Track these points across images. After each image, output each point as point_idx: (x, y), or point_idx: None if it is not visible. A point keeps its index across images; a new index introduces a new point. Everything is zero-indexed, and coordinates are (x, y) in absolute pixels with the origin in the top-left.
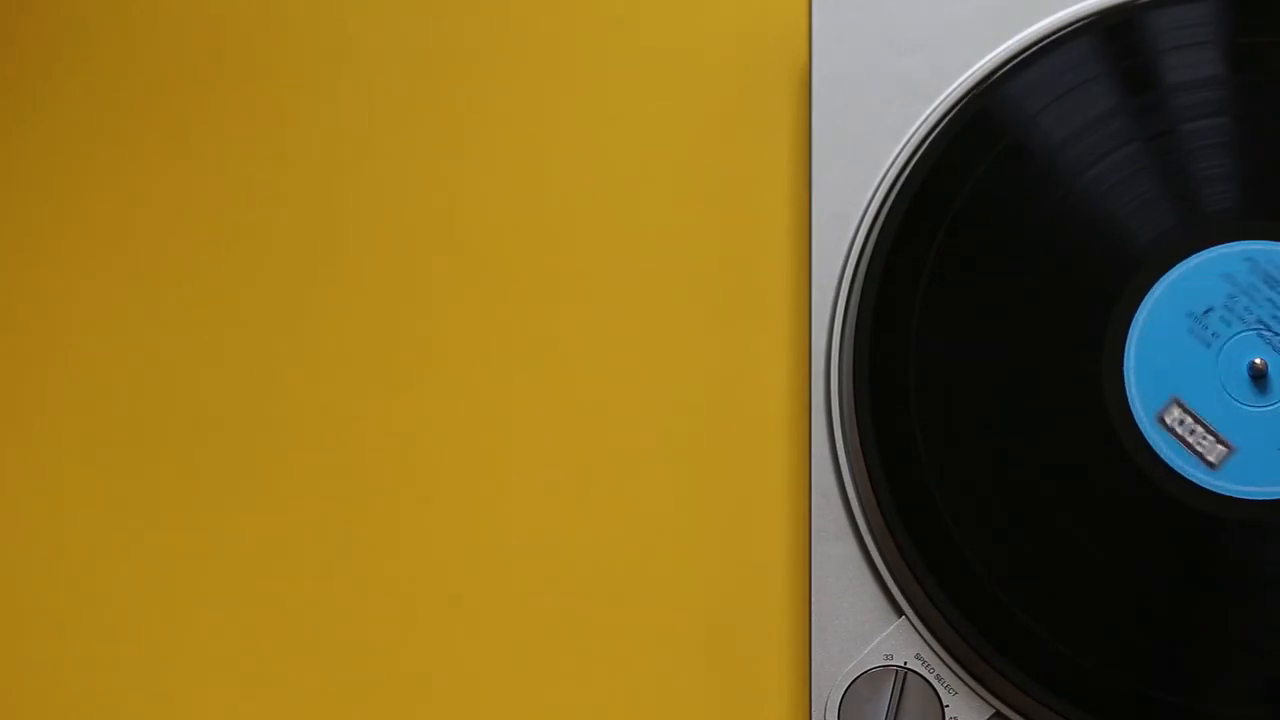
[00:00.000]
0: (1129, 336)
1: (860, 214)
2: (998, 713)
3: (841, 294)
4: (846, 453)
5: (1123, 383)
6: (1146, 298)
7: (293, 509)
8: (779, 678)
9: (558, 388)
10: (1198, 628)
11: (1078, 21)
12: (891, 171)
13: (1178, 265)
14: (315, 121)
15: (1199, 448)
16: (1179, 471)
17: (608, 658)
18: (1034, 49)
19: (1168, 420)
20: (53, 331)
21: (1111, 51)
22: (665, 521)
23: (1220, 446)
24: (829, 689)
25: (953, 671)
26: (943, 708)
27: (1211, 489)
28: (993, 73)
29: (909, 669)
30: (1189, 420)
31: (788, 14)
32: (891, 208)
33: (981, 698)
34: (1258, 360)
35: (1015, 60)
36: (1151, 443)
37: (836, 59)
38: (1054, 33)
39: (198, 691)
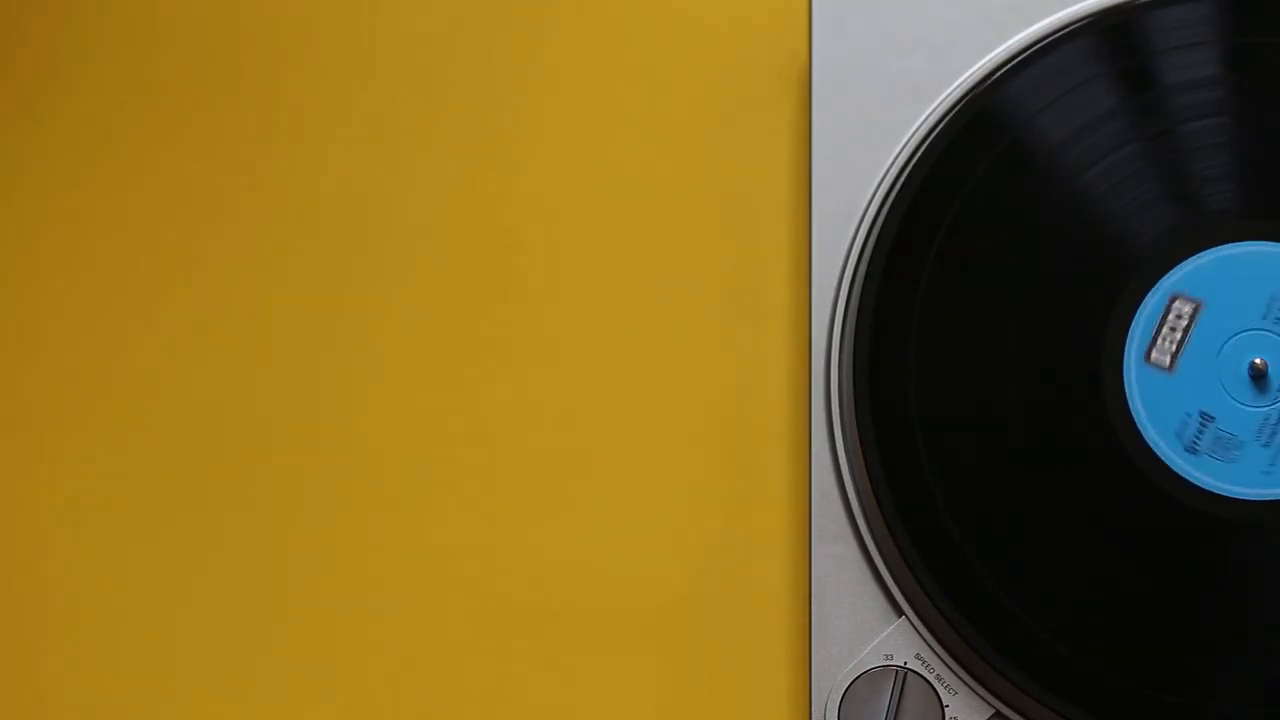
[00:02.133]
0: (1129, 336)
1: (860, 214)
2: (998, 713)
3: (841, 294)
4: (846, 453)
5: (1123, 383)
6: (1146, 298)
7: (297, 509)
8: (779, 678)
9: (557, 387)
10: (1198, 628)
11: (1078, 21)
12: (891, 171)
13: (1178, 266)
14: (314, 125)
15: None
16: (1179, 472)
17: (607, 657)
18: (1034, 49)
19: (1172, 312)
20: (62, 333)
21: (1111, 52)
22: (665, 521)
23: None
24: (829, 689)
25: (953, 671)
26: (943, 708)
27: (1211, 489)
28: (993, 73)
29: (909, 669)
30: (1180, 326)
31: (787, 14)
32: (891, 208)
33: (981, 698)
34: (1258, 360)
35: (1015, 60)
36: (1151, 443)
37: (836, 59)
38: (1054, 33)
39: (202, 693)
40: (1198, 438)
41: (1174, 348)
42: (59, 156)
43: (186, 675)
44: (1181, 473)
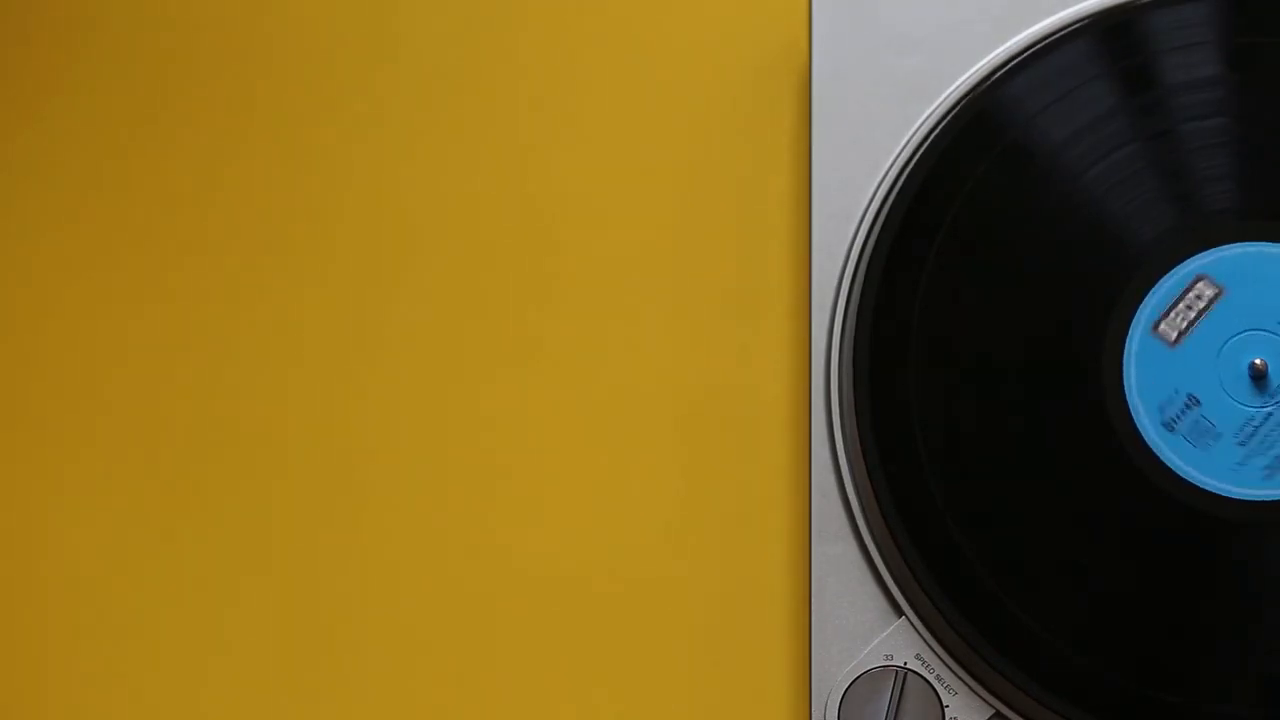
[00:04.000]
0: (1129, 336)
1: (860, 214)
2: (998, 713)
3: (841, 294)
4: (846, 453)
5: (1123, 383)
6: (1147, 298)
7: (298, 511)
8: (779, 678)
9: (557, 387)
10: (1198, 628)
11: (1078, 22)
12: (891, 171)
13: (1177, 265)
14: (307, 124)
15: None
16: (1179, 472)
17: (608, 657)
18: (1034, 49)
19: (1193, 291)
20: (76, 334)
21: (1111, 52)
22: (665, 521)
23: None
24: (829, 689)
25: (953, 672)
26: (943, 708)
27: (1212, 489)
28: (993, 73)
29: (909, 669)
30: (1197, 307)
31: (788, 14)
32: (891, 208)
33: (981, 698)
34: (1258, 360)
35: (1015, 60)
36: (1151, 443)
37: (836, 59)
38: (1054, 33)
39: (200, 694)
40: (1177, 418)
41: (1184, 326)
42: (82, 159)
43: (206, 676)
44: (1182, 473)
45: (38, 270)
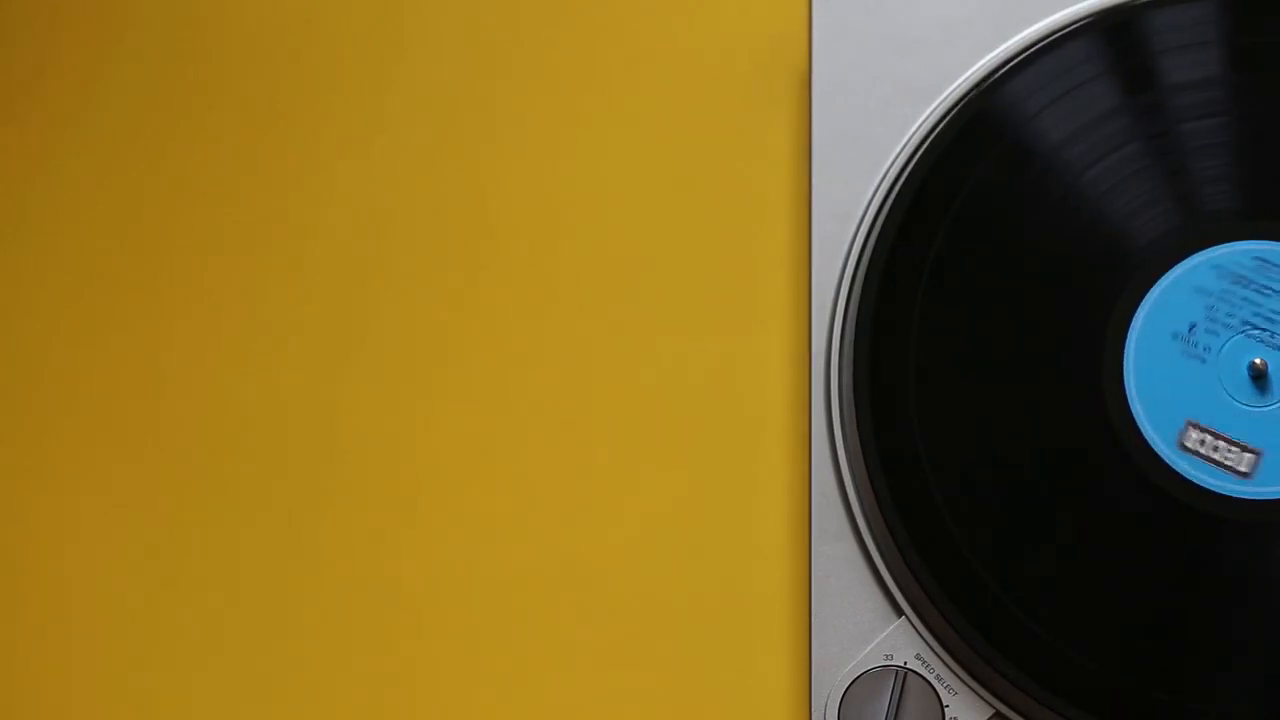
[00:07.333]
0: (1129, 336)
1: (860, 214)
2: (998, 713)
3: (841, 294)
4: (846, 453)
5: (1122, 382)
6: (1146, 298)
7: (295, 511)
8: (779, 678)
9: (556, 388)
10: (1198, 628)
11: (1078, 21)
12: (891, 171)
13: (1174, 268)
14: (302, 124)
15: (1227, 462)
16: (1179, 471)
17: (607, 658)
18: (1033, 49)
19: (1189, 445)
20: (63, 335)
21: (1111, 52)
22: (665, 521)
23: (1247, 454)
24: (829, 689)
25: (953, 672)
26: (943, 708)
27: (1212, 489)
28: (993, 73)
29: (909, 669)
30: (1209, 439)
31: (787, 15)
32: (891, 208)
33: (981, 698)
34: (1257, 360)
35: (1015, 60)
36: (1152, 443)
37: (836, 59)
38: (1054, 33)
39: (195, 694)
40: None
41: (1232, 451)
42: (78, 161)
43: (203, 675)
44: (1181, 472)
45: (34, 270)
